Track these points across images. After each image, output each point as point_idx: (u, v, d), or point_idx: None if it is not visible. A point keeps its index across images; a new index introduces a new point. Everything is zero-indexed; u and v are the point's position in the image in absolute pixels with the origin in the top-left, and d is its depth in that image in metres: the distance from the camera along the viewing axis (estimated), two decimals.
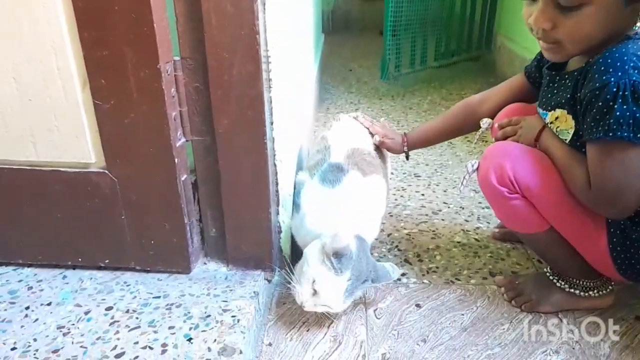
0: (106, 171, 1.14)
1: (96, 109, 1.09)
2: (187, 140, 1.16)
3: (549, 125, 1.17)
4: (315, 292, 1.12)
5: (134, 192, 1.16)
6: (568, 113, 1.11)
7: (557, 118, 1.14)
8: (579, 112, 1.07)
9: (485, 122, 1.38)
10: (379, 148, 1.51)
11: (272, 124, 1.17)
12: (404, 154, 1.54)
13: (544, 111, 1.19)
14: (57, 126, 1.11)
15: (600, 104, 0.99)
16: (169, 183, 1.14)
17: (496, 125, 1.30)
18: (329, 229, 1.17)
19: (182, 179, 1.16)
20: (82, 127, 1.11)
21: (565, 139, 1.13)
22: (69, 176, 1.15)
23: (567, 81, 1.13)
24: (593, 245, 1.14)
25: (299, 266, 1.24)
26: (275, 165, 1.22)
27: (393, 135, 1.52)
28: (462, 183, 1.28)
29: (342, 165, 1.32)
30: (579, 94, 1.07)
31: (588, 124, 1.03)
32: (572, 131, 1.11)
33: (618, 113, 0.97)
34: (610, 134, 0.98)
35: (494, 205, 1.24)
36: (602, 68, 1.00)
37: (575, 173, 1.08)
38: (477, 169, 1.22)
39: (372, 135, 1.51)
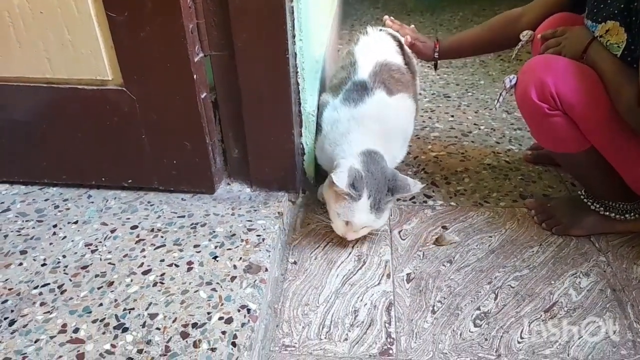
0: (124, 89, 1.10)
1: (110, 22, 1.03)
2: (205, 55, 1.11)
3: (599, 38, 1.07)
4: (347, 223, 1.13)
5: (153, 110, 1.12)
6: (620, 25, 1.01)
7: (607, 31, 1.04)
8: (634, 24, 0.97)
9: (525, 35, 1.27)
10: (408, 64, 1.42)
11: (294, 37, 1.10)
12: (433, 62, 1.44)
13: (594, 23, 1.08)
14: (70, 40, 1.06)
15: None
16: (189, 101, 1.10)
17: (539, 36, 1.19)
18: (347, 151, 1.15)
19: (202, 96, 1.11)
20: (97, 42, 1.06)
21: (616, 54, 1.03)
22: (86, 94, 1.12)
23: None
24: (636, 166, 1.08)
25: (319, 191, 1.27)
26: (297, 83, 1.16)
27: (424, 39, 1.41)
28: (497, 100, 1.20)
29: (367, 84, 1.25)
30: (635, 4, 0.96)
31: None
32: (623, 45, 1.01)
33: None
34: None
35: (531, 123, 1.16)
36: None
37: (624, 89, 1.00)
38: (516, 84, 1.14)
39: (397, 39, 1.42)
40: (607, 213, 1.19)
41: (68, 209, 1.19)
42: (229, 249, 1.05)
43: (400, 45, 1.44)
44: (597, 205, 1.19)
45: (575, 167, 1.22)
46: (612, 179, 1.13)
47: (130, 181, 1.24)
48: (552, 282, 1.09)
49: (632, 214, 1.18)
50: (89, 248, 1.07)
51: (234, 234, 1.09)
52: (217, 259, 1.03)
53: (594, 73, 1.05)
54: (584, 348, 0.95)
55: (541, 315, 1.02)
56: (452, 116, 1.83)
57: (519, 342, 0.96)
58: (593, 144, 1.10)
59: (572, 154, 1.14)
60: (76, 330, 0.88)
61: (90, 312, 0.92)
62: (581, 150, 1.11)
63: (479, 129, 1.73)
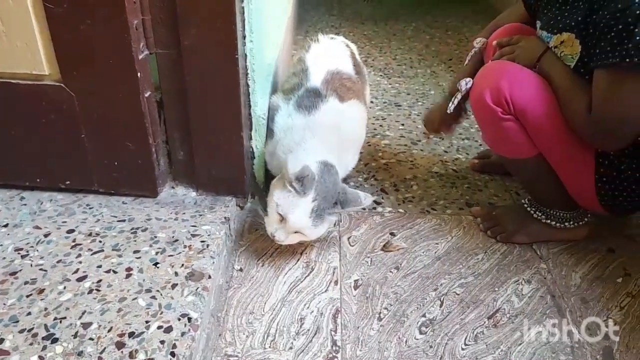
0: (62, 84, 1.05)
1: (48, 14, 0.98)
2: (150, 53, 1.06)
3: (553, 49, 1.10)
4: (282, 218, 1.08)
5: (93, 108, 1.07)
6: (576, 37, 1.04)
7: (562, 42, 1.07)
8: (592, 36, 1.00)
9: (479, 42, 1.29)
10: (359, 73, 1.43)
11: (244, 38, 1.07)
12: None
13: (549, 34, 1.12)
14: (4, 32, 1.00)
15: (620, 27, 0.92)
16: (132, 100, 1.05)
17: (494, 43, 1.22)
18: (300, 158, 1.12)
19: (146, 95, 1.07)
20: (33, 34, 1.00)
21: (569, 65, 1.06)
22: (20, 89, 1.05)
23: (580, 3, 1.05)
24: (579, 175, 1.12)
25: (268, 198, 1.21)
26: (247, 85, 1.14)
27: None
28: (452, 102, 1.22)
29: (319, 91, 1.24)
30: (594, 17, 0.99)
31: (603, 48, 0.96)
32: (576, 57, 1.05)
33: (639, 37, 0.90)
34: (627, 60, 0.91)
35: (484, 126, 1.18)
36: None
37: (576, 100, 1.03)
38: (471, 88, 1.15)
39: None
40: (549, 221, 1.22)
41: None
42: (171, 255, 1.01)
43: (352, 54, 1.44)
44: (539, 214, 1.23)
45: (522, 172, 1.25)
46: (556, 187, 1.17)
47: (68, 183, 1.17)
48: (496, 289, 1.11)
49: (571, 222, 1.22)
50: (19, 253, 1.00)
51: (176, 240, 1.05)
52: (158, 265, 0.99)
53: (546, 82, 1.08)
54: (525, 354, 0.97)
55: (485, 322, 1.03)
56: (403, 125, 1.84)
57: (462, 349, 0.97)
58: (541, 151, 1.13)
59: (520, 160, 1.17)
60: (1, 341, 0.82)
61: (18, 321, 0.85)
62: (530, 157, 1.14)
63: (428, 137, 1.76)
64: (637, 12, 0.90)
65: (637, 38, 0.90)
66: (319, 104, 1.22)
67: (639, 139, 1.02)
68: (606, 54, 0.95)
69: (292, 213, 1.06)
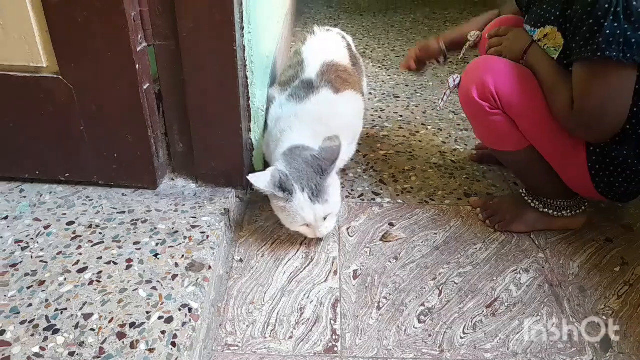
0: (60, 77, 1.04)
1: (45, 5, 0.98)
2: (149, 45, 1.06)
3: (537, 42, 1.11)
4: (305, 224, 1.11)
5: (92, 100, 1.07)
6: (558, 30, 1.05)
7: (546, 35, 1.08)
8: (568, 30, 1.01)
9: (473, 35, 1.30)
10: (355, 64, 1.43)
11: (242, 29, 1.07)
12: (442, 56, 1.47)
13: (532, 28, 1.12)
14: (1, 23, 0.99)
15: (591, 21, 0.93)
16: (130, 91, 1.05)
17: (486, 36, 1.23)
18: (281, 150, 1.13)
19: (145, 87, 1.07)
20: (30, 25, 0.99)
21: (553, 57, 1.07)
22: (18, 81, 1.05)
23: None
24: (572, 164, 1.12)
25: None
26: (246, 76, 1.14)
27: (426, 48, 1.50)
28: (442, 99, 1.23)
29: (313, 82, 1.24)
30: (569, 11, 1.00)
31: (577, 42, 0.97)
32: (560, 49, 1.06)
33: (608, 31, 0.91)
34: (599, 54, 0.92)
35: (473, 121, 1.19)
36: None
37: (559, 93, 1.04)
38: (459, 83, 1.16)
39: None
40: (546, 210, 1.23)
41: None
42: (171, 247, 1.02)
43: (348, 46, 1.44)
44: (537, 203, 1.23)
45: (515, 165, 1.26)
46: (551, 177, 1.17)
47: (67, 175, 1.17)
48: (494, 278, 1.12)
49: (569, 210, 1.22)
50: (19, 245, 1.00)
51: (176, 231, 1.06)
52: (158, 256, 0.99)
53: (532, 74, 1.09)
54: (523, 342, 0.97)
55: (483, 311, 1.04)
56: (401, 116, 1.85)
57: (461, 338, 0.98)
58: (531, 143, 1.13)
59: (512, 152, 1.17)
60: (2, 333, 0.82)
61: (19, 313, 0.86)
62: (520, 149, 1.15)
63: (427, 129, 1.76)
64: (606, 5, 0.91)
65: (607, 32, 0.91)
66: (310, 95, 1.22)
67: (627, 127, 1.02)
68: (580, 48, 0.96)
69: (303, 216, 1.08)
